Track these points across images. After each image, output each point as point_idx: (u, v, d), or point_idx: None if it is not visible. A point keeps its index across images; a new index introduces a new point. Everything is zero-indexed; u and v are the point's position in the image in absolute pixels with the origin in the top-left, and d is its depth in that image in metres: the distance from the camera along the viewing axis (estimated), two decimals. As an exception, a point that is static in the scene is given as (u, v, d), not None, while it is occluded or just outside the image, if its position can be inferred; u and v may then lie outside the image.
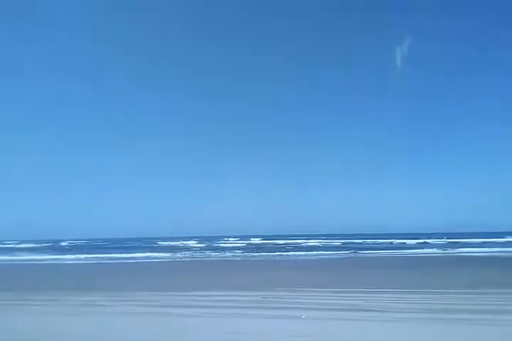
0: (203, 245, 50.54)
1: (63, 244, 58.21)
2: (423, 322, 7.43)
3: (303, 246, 45.89)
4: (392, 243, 50.17)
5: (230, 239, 62.50)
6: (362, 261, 25.90)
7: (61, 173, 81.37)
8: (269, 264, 24.63)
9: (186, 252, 36.57)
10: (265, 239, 61.01)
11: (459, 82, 77.99)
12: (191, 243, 54.46)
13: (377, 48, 71.22)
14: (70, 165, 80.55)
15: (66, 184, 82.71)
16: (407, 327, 7.13)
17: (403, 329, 6.99)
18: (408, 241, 50.89)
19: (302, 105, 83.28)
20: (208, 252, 36.90)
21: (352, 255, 31.52)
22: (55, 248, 49.08)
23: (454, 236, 57.11)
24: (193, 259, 29.15)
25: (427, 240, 52.26)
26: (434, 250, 35.79)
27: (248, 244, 53.23)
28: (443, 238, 54.41)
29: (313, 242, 52.19)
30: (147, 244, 54.11)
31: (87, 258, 31.14)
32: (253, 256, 32.14)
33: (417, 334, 6.69)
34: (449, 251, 34.51)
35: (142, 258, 30.63)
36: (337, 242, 51.16)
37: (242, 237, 64.49)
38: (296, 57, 77.98)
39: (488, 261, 24.47)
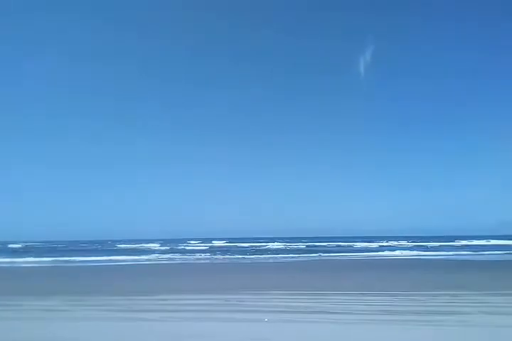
0: (166, 248, 49.87)
1: (16, 246, 55.72)
2: (382, 324, 7.80)
3: (267, 249, 46.33)
4: (354, 246, 51.62)
5: (193, 241, 62.11)
6: (325, 264, 26.51)
7: (12, 173, 78.14)
8: (233, 267, 24.74)
9: (148, 255, 35.92)
10: (229, 242, 61.09)
11: (421, 84, 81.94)
12: (153, 246, 53.57)
13: (343, 50, 74.08)
14: (21, 165, 77.54)
15: (18, 183, 79.55)
16: (367, 329, 7.45)
17: (363, 331, 7.32)
18: (370, 244, 52.61)
19: (261, 106, 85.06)
20: (170, 255, 36.49)
21: (316, 258, 32.17)
22: (7, 250, 46.90)
23: (415, 239, 59.80)
24: (156, 262, 28.77)
25: (388, 243, 54.28)
26: (395, 253, 37.26)
27: (211, 246, 53.13)
28: (404, 241, 56.74)
29: (277, 245, 52.82)
30: (106, 246, 52.85)
31: (43, 261, 30.07)
32: (217, 258, 32.15)
33: (377, 335, 7.03)
34: (409, 254, 36.00)
35: (102, 261, 29.94)
36: (302, 245, 52.01)
37: (206, 240, 64.25)
38: (260, 59, 79.63)
39: (443, 264, 25.73)
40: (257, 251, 43.19)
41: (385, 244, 53.69)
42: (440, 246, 49.79)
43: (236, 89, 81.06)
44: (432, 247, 47.50)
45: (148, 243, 57.19)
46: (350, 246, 51.98)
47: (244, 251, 42.05)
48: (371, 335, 7.00)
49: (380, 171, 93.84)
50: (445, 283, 14.25)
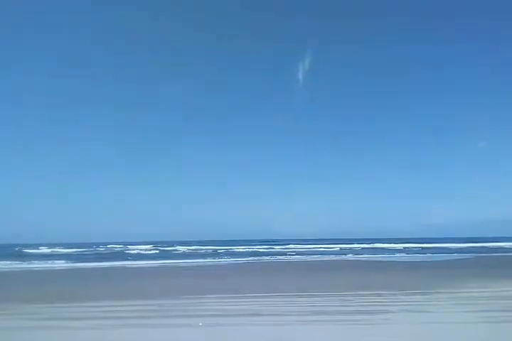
0: (88, 252, 48.16)
1: None
2: (311, 324, 8.46)
3: (204, 254, 46.43)
4: (295, 248, 53.58)
5: (114, 245, 60.71)
6: (261, 267, 27.31)
7: None
8: (166, 271, 24.70)
9: (66, 260, 34.37)
10: (163, 246, 60.12)
11: (358, 83, 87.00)
12: (68, 251, 51.10)
13: (283, 52, 76.64)
14: None
15: None
16: (297, 330, 8.04)
17: (293, 332, 7.90)
18: (305, 247, 54.95)
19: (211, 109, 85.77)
20: (94, 260, 35.34)
21: (253, 261, 32.95)
22: None
23: (347, 242, 63.51)
24: (78, 267, 27.83)
25: (324, 246, 56.95)
26: (330, 256, 39.28)
27: (141, 249, 52.12)
28: (338, 244, 59.94)
29: (212, 248, 53.11)
30: (23, 251, 49.55)
31: None
32: (149, 263, 31.66)
33: (305, 335, 7.65)
34: (342, 256, 38.17)
35: (20, 266, 28.35)
36: (241, 248, 52.72)
37: (129, 243, 63.11)
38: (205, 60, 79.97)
39: (375, 265, 27.69)
40: (190, 255, 43.20)
41: (321, 246, 56.22)
42: (373, 248, 53.66)
43: (173, 91, 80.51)
44: (364, 249, 50.97)
45: (63, 248, 54.68)
46: (286, 248, 53.86)
47: (177, 255, 41.99)
48: (300, 336, 7.61)
49: (314, 178, 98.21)
50: (374, 283, 15.51)
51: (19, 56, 73.93)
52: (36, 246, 56.35)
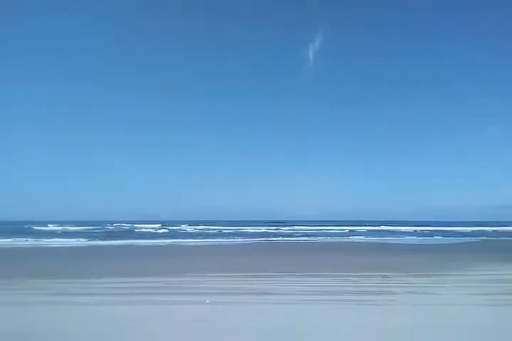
0: (97, 231, 49.00)
1: None
2: (317, 304, 8.59)
3: (208, 233, 47.01)
4: (297, 230, 53.89)
5: (123, 224, 61.53)
6: (271, 247, 27.66)
7: None
8: (174, 250, 25.10)
9: (75, 238, 35.08)
10: (172, 226, 60.98)
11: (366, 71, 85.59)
12: (77, 228, 52.08)
13: (294, 38, 75.55)
14: None
15: None
16: (303, 309, 8.17)
17: (299, 311, 8.02)
18: (313, 229, 55.28)
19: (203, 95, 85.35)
20: (103, 238, 35.99)
21: (263, 241, 33.35)
22: None
23: (355, 224, 63.70)
24: (87, 245, 28.40)
25: (332, 228, 57.34)
26: (338, 238, 39.54)
27: (149, 228, 52.90)
28: (347, 226, 60.23)
29: (219, 228, 53.66)
30: (20, 228, 50.49)
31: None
32: (158, 242, 32.18)
33: (312, 314, 7.77)
34: (350, 238, 38.38)
35: (27, 242, 28.96)
36: (248, 229, 53.23)
37: (138, 222, 63.89)
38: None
39: (382, 247, 27.88)
40: (200, 235, 43.74)
41: (331, 228, 56.59)
42: (374, 230, 53.95)
43: (179, 73, 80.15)
44: (364, 231, 51.30)
45: (80, 225, 55.73)
46: (297, 230, 54.28)
47: (188, 235, 42.56)
48: (306, 314, 7.73)
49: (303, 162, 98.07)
50: (380, 265, 15.64)
51: (26, 45, 73.45)
52: (45, 223, 57.46)
